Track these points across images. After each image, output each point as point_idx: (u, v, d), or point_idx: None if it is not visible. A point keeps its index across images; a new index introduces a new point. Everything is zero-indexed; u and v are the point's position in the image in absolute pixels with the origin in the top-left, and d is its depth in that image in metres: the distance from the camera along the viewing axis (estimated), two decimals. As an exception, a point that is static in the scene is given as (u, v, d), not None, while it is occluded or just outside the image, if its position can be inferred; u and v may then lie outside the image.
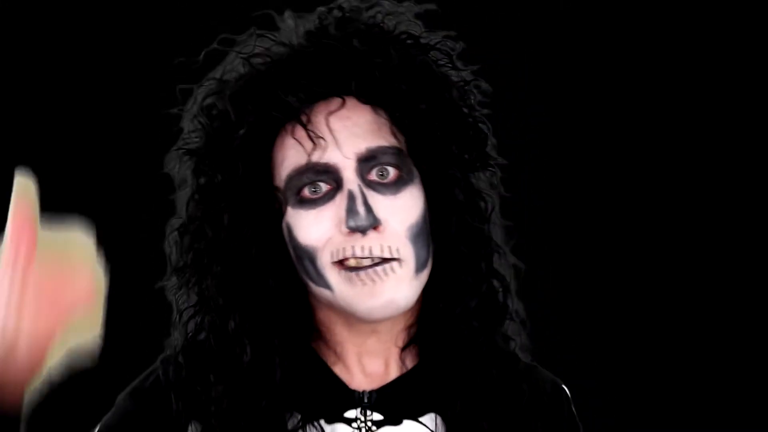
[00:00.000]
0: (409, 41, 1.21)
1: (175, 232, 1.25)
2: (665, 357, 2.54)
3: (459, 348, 1.22)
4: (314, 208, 1.17)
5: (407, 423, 1.20)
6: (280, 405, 1.20)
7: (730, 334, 2.53)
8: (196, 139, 1.25)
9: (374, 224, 1.14)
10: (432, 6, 1.24)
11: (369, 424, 1.20)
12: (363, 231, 1.14)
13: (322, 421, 1.20)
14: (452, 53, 1.24)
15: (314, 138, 1.15)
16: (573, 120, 2.55)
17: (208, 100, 1.24)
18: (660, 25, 2.51)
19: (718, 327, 2.53)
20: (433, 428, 1.19)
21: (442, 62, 1.23)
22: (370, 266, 1.15)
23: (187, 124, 1.27)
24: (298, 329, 1.23)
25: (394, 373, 1.24)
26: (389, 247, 1.15)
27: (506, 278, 1.26)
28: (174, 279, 1.26)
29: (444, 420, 1.21)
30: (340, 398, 1.22)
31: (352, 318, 1.20)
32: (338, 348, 1.24)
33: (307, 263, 1.18)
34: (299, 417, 1.20)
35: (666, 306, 2.55)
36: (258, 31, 1.25)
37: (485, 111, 1.25)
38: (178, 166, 1.28)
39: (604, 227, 2.55)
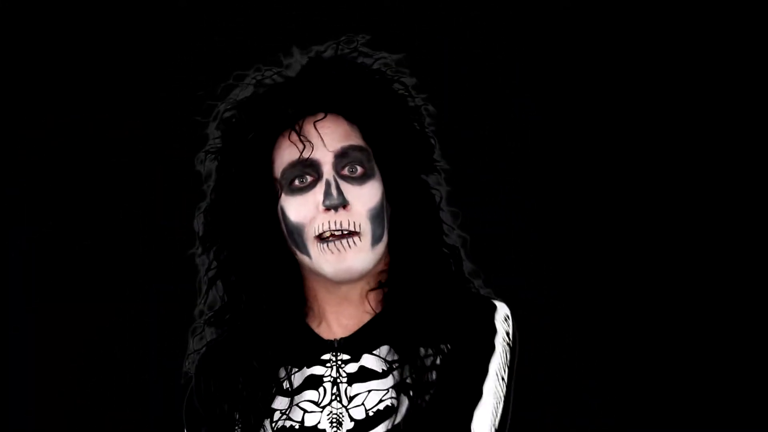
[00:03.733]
0: (377, 75, 1.65)
1: (201, 213, 1.66)
2: (665, 357, 2.54)
3: (411, 295, 1.60)
4: (301, 195, 1.59)
5: (365, 356, 1.59)
6: (273, 360, 1.60)
7: (730, 334, 2.53)
8: (218, 143, 1.66)
9: (343, 203, 1.56)
10: (401, 55, 1.66)
11: (339, 362, 1.59)
12: (335, 208, 1.56)
13: (305, 367, 1.60)
14: (409, 86, 1.67)
15: (305, 141, 1.59)
16: (563, 117, 2.55)
17: (227, 114, 1.66)
18: (650, 22, 2.51)
19: (718, 327, 2.53)
20: (384, 357, 1.58)
21: (402, 91, 1.66)
22: (339, 237, 1.56)
23: (212, 132, 1.67)
24: (291, 301, 1.64)
25: (363, 322, 1.62)
26: (354, 222, 1.57)
27: (455, 246, 1.66)
28: (199, 248, 1.66)
29: (395, 349, 1.58)
30: (318, 348, 1.61)
31: (328, 283, 1.62)
32: (320, 311, 1.64)
33: (296, 236, 1.60)
34: (287, 368, 1.61)
35: (665, 306, 2.55)
36: (264, 67, 1.67)
37: (432, 128, 1.67)
38: (205, 164, 1.68)
39: (600, 225, 2.55)
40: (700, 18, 2.50)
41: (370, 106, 1.61)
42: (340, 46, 1.67)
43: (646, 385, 2.55)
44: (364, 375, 1.58)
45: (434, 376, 1.57)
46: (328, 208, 1.56)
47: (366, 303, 1.63)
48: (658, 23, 2.52)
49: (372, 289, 1.63)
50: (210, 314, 1.69)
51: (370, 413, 1.56)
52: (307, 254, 1.59)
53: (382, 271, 1.63)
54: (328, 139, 1.59)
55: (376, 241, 1.58)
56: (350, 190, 1.58)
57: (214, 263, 1.66)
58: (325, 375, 1.59)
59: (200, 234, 1.68)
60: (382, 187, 1.61)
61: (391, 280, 1.63)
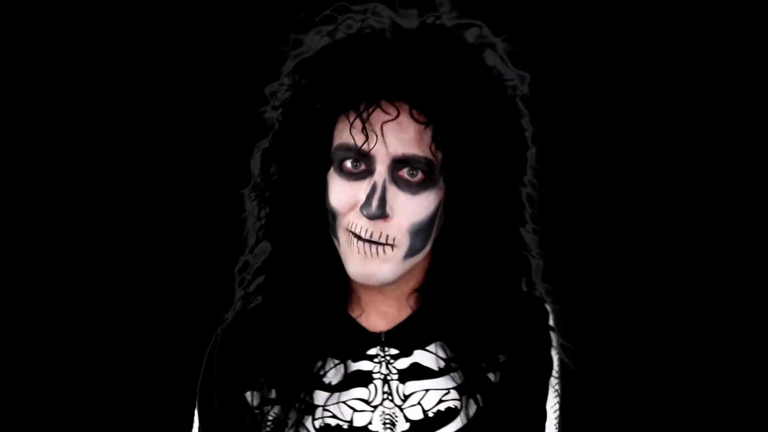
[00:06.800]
0: (475, 71, 1.45)
1: (260, 153, 1.53)
2: (666, 358, 2.54)
3: (460, 291, 1.49)
4: (347, 181, 1.44)
5: (417, 352, 1.49)
6: (314, 352, 1.49)
7: (731, 338, 2.53)
8: (287, 94, 1.50)
9: (383, 215, 1.40)
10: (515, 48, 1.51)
11: (388, 358, 1.49)
12: (372, 219, 1.40)
13: (349, 361, 1.49)
14: (518, 93, 1.50)
15: (368, 132, 1.40)
16: (562, 116, 2.55)
17: (301, 68, 1.48)
18: (657, 15, 2.52)
19: (719, 329, 2.53)
20: (437, 354, 1.48)
21: (506, 100, 1.48)
22: (368, 241, 1.42)
23: (287, 68, 1.51)
24: (334, 279, 1.51)
25: (405, 315, 1.52)
26: (388, 236, 1.42)
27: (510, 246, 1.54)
28: (252, 193, 1.54)
29: (449, 346, 1.49)
30: (363, 340, 1.50)
31: None
32: (360, 300, 1.53)
33: (330, 218, 1.46)
34: (330, 362, 1.50)
35: (666, 307, 2.55)
36: (348, 15, 1.50)
37: (529, 129, 1.50)
38: (271, 111, 1.52)
39: (600, 225, 2.56)
40: (705, 15, 2.51)
41: (456, 112, 1.41)
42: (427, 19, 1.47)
43: (646, 387, 2.55)
44: (418, 372, 1.49)
45: (495, 378, 1.49)
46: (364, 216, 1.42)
47: (405, 298, 1.52)
48: (666, 17, 2.52)
49: (416, 290, 1.52)
50: (258, 263, 1.55)
51: (430, 414, 1.47)
52: (337, 240, 1.46)
53: (423, 269, 1.52)
54: (392, 137, 1.41)
55: (411, 254, 1.44)
56: (398, 199, 1.42)
57: (264, 213, 1.53)
58: (374, 371, 1.49)
59: (256, 175, 1.54)
60: (440, 197, 1.45)
61: (433, 281, 1.52)
